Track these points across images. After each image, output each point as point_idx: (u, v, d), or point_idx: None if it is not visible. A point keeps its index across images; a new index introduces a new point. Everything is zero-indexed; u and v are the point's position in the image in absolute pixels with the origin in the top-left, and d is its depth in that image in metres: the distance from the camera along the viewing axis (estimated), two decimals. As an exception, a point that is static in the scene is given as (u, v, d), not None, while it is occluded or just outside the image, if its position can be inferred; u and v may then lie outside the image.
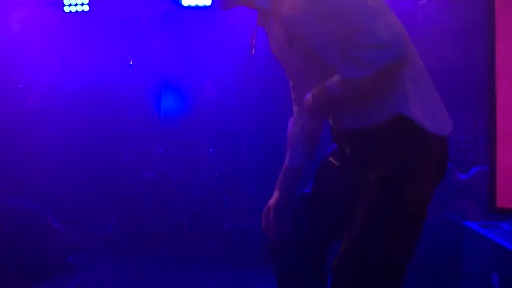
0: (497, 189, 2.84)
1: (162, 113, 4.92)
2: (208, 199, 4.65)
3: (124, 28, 5.08)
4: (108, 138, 4.92)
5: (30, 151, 4.75)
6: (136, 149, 4.77)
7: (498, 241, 2.50)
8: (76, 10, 5.34)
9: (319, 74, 1.80)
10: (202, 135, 4.83)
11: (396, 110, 1.76)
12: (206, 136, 4.85)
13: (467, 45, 4.59)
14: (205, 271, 3.95)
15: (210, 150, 4.87)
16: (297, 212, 2.01)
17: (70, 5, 5.32)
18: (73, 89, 5.16)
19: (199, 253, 4.28)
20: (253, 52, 2.00)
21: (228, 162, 4.81)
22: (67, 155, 4.78)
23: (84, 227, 4.41)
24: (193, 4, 5.01)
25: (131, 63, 4.79)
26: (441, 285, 3.43)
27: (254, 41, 1.99)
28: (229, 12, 2.06)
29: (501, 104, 2.89)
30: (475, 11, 4.11)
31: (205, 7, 4.98)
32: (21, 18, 5.13)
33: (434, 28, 4.72)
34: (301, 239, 1.96)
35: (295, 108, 2.10)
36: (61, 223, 4.14)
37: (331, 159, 2.02)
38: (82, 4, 5.32)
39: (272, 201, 2.02)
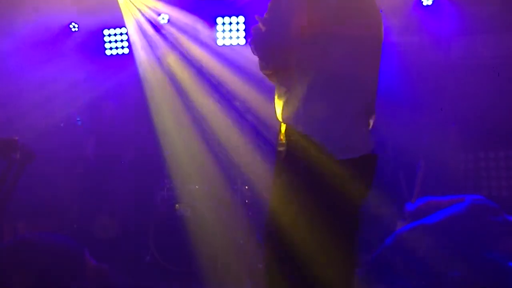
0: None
1: (197, 151, 4.97)
2: (242, 237, 4.60)
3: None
4: (144, 174, 5.01)
5: (67, 188, 4.88)
6: (171, 186, 4.80)
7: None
8: (117, 53, 5.61)
9: None
10: (236, 173, 4.83)
11: (288, 119, 2.02)
12: (241, 173, 4.85)
13: (501, 80, 4.50)
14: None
15: (246, 187, 4.85)
16: None
17: (111, 48, 5.59)
18: (112, 128, 5.32)
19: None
20: None
21: (262, 200, 4.77)
22: (103, 192, 4.89)
23: (119, 263, 4.43)
24: (227, 44, 5.29)
25: None
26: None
27: None
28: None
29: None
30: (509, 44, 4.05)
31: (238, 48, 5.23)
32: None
33: (468, 63, 4.66)
34: None
35: None
36: (97, 260, 4.19)
37: None
38: (123, 48, 5.60)
39: None
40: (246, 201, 4.74)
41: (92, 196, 4.89)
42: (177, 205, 4.64)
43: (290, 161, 1.98)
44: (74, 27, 5.53)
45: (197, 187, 4.72)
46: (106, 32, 5.54)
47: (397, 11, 4.83)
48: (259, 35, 2.02)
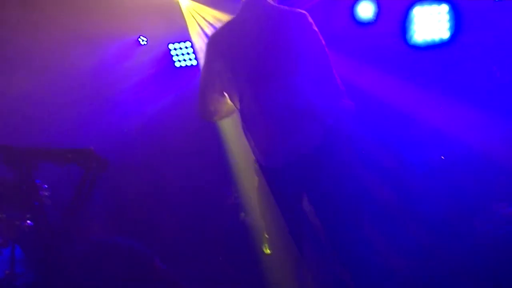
0: None
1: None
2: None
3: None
4: (211, 182, 5.10)
5: (137, 195, 5.06)
6: (238, 195, 4.85)
7: None
8: (186, 65, 5.80)
9: None
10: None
11: None
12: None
13: None
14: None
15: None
16: None
17: (179, 60, 5.79)
18: (184, 137, 5.48)
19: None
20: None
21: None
22: (171, 199, 5.02)
23: (187, 270, 4.52)
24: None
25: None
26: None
27: None
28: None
29: None
30: None
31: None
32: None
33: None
34: None
35: None
36: (166, 265, 4.30)
37: None
38: (190, 59, 5.78)
39: None
40: None
41: (161, 203, 5.04)
42: (242, 213, 4.68)
43: None
44: (142, 40, 5.79)
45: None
46: (171, 46, 5.75)
47: (465, 8, 4.60)
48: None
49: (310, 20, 2.50)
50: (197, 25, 5.41)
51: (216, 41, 2.62)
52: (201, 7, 5.31)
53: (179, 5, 5.30)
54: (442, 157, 4.71)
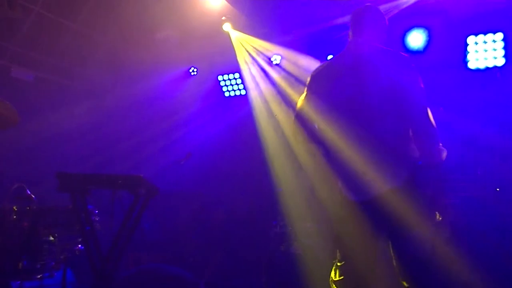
0: None
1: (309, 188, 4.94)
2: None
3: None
4: (257, 210, 5.09)
5: (185, 223, 5.11)
6: (284, 224, 4.80)
7: None
8: (235, 94, 5.91)
9: None
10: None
11: None
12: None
13: None
14: None
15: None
16: None
17: (228, 90, 5.91)
18: (232, 165, 5.53)
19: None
20: None
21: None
22: (218, 227, 5.04)
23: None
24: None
25: None
26: None
27: None
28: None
29: None
30: None
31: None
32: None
33: None
34: None
35: None
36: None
37: None
38: (239, 89, 5.89)
39: None
40: None
41: (208, 231, 5.07)
42: (282, 246, 4.63)
43: None
44: (193, 71, 5.98)
45: (308, 225, 4.66)
46: (220, 77, 5.89)
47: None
48: None
49: (412, 63, 2.58)
50: (246, 56, 5.53)
51: (318, 74, 2.74)
52: (250, 38, 5.43)
53: (229, 37, 5.43)
54: (497, 189, 4.54)
